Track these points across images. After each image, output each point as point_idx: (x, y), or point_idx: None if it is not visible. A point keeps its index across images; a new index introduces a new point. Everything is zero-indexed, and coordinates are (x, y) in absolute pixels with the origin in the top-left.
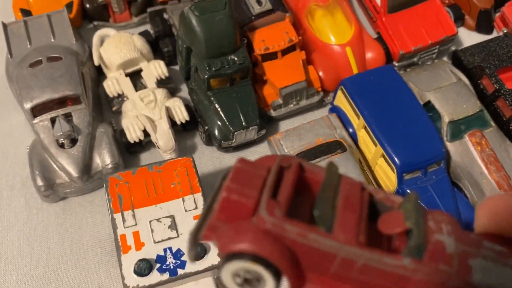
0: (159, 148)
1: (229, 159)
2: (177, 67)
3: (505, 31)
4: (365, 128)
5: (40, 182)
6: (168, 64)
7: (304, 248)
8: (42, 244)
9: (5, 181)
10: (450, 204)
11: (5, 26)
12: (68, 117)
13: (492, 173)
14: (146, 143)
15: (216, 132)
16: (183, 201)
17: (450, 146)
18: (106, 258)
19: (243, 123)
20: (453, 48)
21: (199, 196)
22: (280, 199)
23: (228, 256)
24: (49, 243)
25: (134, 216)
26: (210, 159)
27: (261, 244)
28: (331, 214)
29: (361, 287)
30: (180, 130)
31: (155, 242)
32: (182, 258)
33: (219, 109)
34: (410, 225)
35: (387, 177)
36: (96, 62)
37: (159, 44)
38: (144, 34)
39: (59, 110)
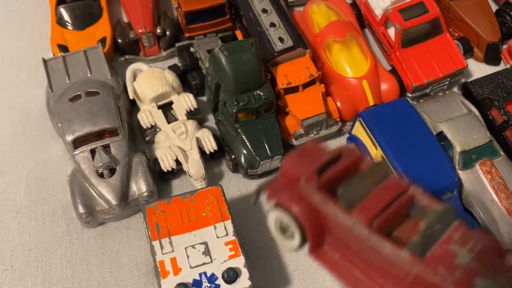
0: (190, 176)
1: (255, 186)
2: (204, 98)
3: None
4: (383, 158)
5: (81, 210)
6: (195, 95)
7: (327, 216)
8: (83, 267)
9: (47, 207)
10: None
11: (45, 62)
12: (106, 148)
13: (502, 200)
14: (177, 171)
15: (243, 161)
16: (215, 228)
17: (462, 174)
18: (142, 280)
19: (269, 153)
20: (463, 80)
21: (229, 223)
22: (323, 176)
23: (274, 205)
24: (89, 266)
25: (171, 243)
26: (236, 185)
27: (292, 202)
28: (356, 197)
29: (367, 264)
30: (208, 159)
31: (191, 267)
32: (216, 282)
33: (245, 140)
34: (421, 226)
35: None
36: (131, 96)
37: (187, 77)
38: (173, 67)
39: (98, 142)
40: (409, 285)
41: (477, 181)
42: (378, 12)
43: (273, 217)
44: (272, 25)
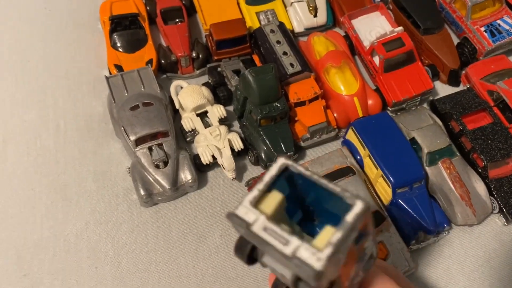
0: (223, 168)
1: None
2: (229, 108)
3: (468, 86)
4: (369, 156)
5: (142, 192)
6: (223, 105)
7: None
8: (142, 236)
9: (111, 191)
10: (427, 209)
11: (107, 78)
12: (160, 146)
13: (457, 188)
14: (212, 165)
15: (263, 156)
16: None
17: (428, 169)
18: (189, 245)
19: (283, 150)
20: (431, 98)
21: None
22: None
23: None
24: (147, 236)
25: None
26: (256, 174)
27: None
28: None
29: None
30: (235, 156)
31: None
32: None
33: (266, 140)
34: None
35: (385, 191)
36: (177, 106)
37: (217, 91)
38: (206, 84)
39: (154, 141)
40: None
41: (439, 174)
42: (366, 44)
43: None
44: (285, 53)
